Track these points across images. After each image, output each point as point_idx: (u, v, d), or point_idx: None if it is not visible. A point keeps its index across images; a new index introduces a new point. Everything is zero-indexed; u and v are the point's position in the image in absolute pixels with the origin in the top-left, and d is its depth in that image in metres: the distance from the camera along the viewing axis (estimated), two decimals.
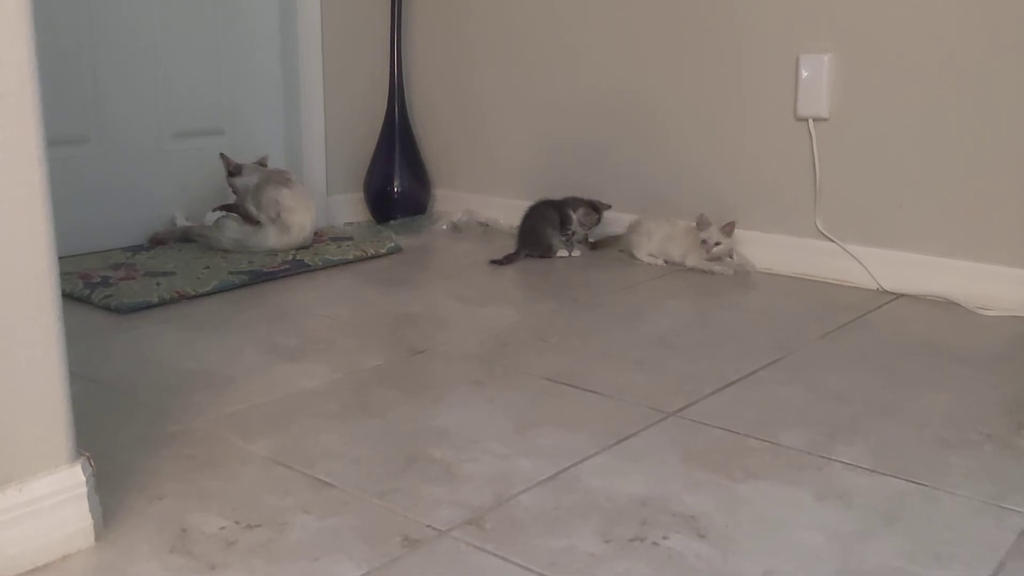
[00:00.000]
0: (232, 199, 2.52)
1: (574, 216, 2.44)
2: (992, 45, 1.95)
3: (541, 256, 2.46)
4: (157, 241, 2.49)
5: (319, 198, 2.85)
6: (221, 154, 2.51)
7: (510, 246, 2.47)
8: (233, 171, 2.50)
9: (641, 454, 1.29)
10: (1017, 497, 1.16)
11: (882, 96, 2.11)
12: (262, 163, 2.54)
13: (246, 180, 2.48)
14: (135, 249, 2.46)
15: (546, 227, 2.46)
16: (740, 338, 1.81)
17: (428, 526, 1.09)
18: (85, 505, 1.04)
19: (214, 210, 2.54)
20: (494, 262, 2.40)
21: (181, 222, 2.52)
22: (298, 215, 2.45)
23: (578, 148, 2.63)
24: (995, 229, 1.99)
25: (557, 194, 2.50)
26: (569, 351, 1.73)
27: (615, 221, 2.52)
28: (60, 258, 1.02)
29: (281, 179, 2.48)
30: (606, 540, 1.06)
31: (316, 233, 2.69)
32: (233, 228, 2.41)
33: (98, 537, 1.05)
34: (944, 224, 2.06)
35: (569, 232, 2.45)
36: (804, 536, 1.07)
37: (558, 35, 2.65)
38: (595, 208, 2.46)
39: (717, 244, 2.24)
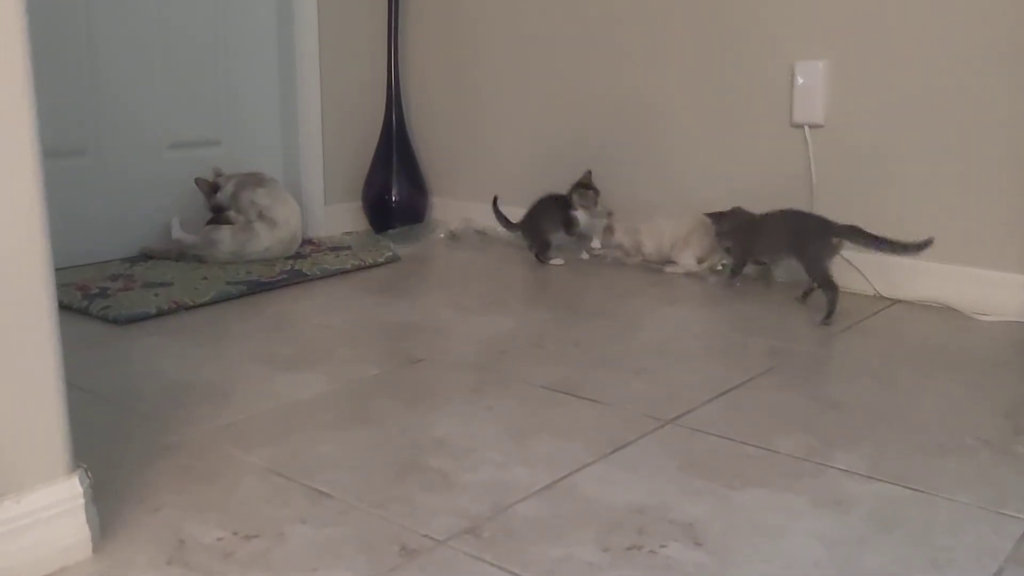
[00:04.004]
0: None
1: (578, 216, 2.46)
2: (987, 50, 1.96)
3: (537, 255, 2.46)
4: (148, 255, 2.49)
5: (317, 208, 2.86)
6: (196, 180, 2.52)
7: (509, 253, 2.48)
8: (214, 189, 2.52)
9: (638, 462, 1.29)
10: (1015, 503, 1.16)
11: (877, 102, 2.11)
12: (219, 173, 2.56)
13: (225, 191, 2.52)
14: (133, 260, 2.46)
15: (545, 221, 2.48)
16: (737, 345, 1.81)
17: (426, 536, 1.09)
18: (82, 517, 1.04)
19: (207, 225, 2.54)
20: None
21: (177, 231, 2.52)
22: (278, 210, 2.48)
23: (576, 155, 2.63)
24: (992, 234, 2.00)
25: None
26: (567, 359, 1.73)
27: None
28: (58, 269, 1.02)
29: (254, 180, 2.53)
30: (604, 549, 1.06)
31: (314, 242, 2.70)
32: (227, 241, 2.42)
33: (96, 549, 1.05)
34: (941, 230, 2.06)
35: (574, 232, 2.47)
36: (801, 543, 1.07)
37: (554, 44, 2.66)
38: (584, 186, 2.46)
39: None
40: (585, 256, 2.51)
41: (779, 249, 2.13)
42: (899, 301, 2.10)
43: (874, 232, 1.96)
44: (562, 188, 2.51)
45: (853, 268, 2.15)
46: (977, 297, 2.00)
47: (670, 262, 2.37)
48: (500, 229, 2.65)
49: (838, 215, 2.07)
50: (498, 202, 2.59)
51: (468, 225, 2.81)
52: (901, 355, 1.76)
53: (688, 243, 2.35)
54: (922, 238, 1.91)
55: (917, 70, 2.05)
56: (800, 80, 2.20)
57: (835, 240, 2.02)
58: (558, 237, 2.48)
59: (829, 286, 1.99)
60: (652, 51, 2.47)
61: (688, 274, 2.33)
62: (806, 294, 2.07)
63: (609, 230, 2.48)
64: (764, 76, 2.27)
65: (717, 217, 2.22)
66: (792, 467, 1.27)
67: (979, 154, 1.99)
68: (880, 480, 1.23)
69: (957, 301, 2.02)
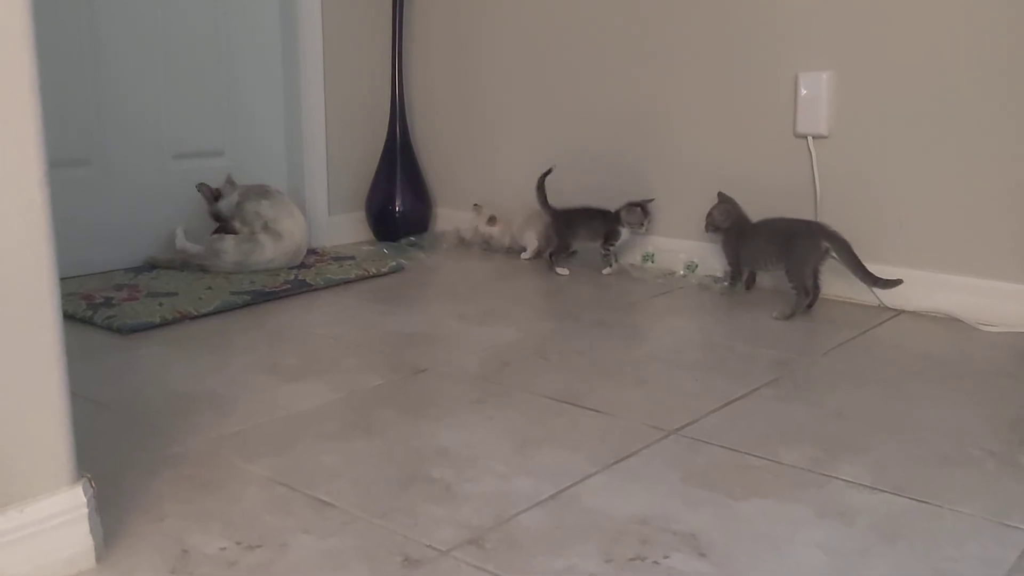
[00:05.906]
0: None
1: (622, 231, 2.46)
2: (991, 62, 1.96)
3: (550, 255, 2.47)
4: (153, 265, 2.50)
5: (321, 218, 2.86)
6: (198, 185, 2.52)
7: (512, 262, 2.48)
8: (216, 196, 2.52)
9: (642, 473, 1.29)
10: (1019, 514, 1.16)
11: (881, 113, 2.12)
12: (230, 181, 2.56)
13: (228, 201, 2.52)
14: (137, 270, 2.47)
15: (581, 227, 2.48)
16: (741, 356, 1.81)
17: (428, 546, 1.09)
18: (86, 526, 1.04)
19: (212, 235, 2.54)
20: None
21: (181, 241, 2.52)
22: (283, 222, 2.49)
23: (580, 165, 2.63)
24: (996, 245, 2.00)
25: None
26: (570, 369, 1.73)
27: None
28: (63, 279, 1.02)
29: (259, 192, 2.53)
30: (607, 560, 1.06)
31: (318, 252, 2.70)
32: (231, 251, 2.42)
33: (99, 559, 1.05)
34: (945, 240, 2.06)
35: (611, 248, 2.47)
36: (805, 554, 1.07)
37: (558, 55, 2.67)
38: (637, 206, 2.45)
39: None
40: (565, 272, 2.48)
41: (769, 257, 2.14)
42: (903, 312, 2.10)
43: (859, 257, 2.05)
44: (564, 198, 2.51)
45: (857, 279, 2.14)
46: (981, 308, 2.00)
47: (523, 250, 2.65)
48: (503, 233, 2.67)
49: (841, 226, 2.08)
50: (549, 174, 2.52)
51: (472, 234, 2.82)
52: (905, 366, 1.75)
53: (527, 229, 2.63)
54: (894, 277, 2.03)
55: (921, 81, 2.05)
56: (804, 91, 2.20)
57: (824, 244, 2.06)
58: (586, 245, 2.49)
59: (802, 291, 2.05)
60: (655, 62, 2.47)
61: (533, 258, 2.61)
62: (810, 305, 2.07)
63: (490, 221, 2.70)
64: (768, 86, 2.28)
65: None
66: (796, 478, 1.27)
67: (982, 165, 1.99)
68: (884, 491, 1.23)
69: (961, 312, 2.02)
